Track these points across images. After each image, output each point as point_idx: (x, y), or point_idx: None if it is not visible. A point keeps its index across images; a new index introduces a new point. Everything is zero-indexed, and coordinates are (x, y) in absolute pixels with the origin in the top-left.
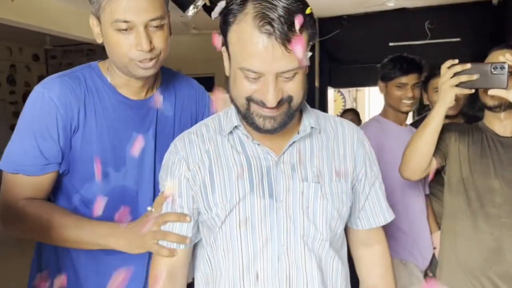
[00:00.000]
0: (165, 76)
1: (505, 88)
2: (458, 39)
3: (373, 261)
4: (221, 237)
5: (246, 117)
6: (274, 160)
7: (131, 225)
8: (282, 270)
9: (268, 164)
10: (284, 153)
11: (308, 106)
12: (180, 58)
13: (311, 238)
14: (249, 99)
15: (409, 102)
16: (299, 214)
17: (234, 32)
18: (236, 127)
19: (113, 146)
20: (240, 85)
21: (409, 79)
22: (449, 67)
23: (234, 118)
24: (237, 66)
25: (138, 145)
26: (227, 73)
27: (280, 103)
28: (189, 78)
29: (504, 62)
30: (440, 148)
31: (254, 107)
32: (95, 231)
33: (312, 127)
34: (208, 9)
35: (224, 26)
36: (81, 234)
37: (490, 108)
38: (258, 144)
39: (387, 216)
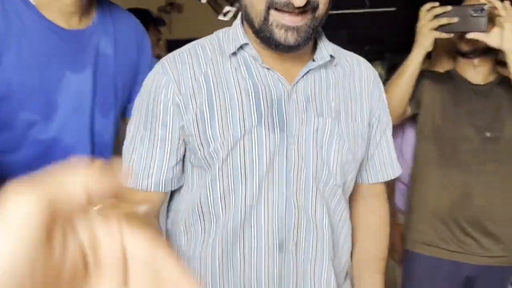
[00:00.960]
0: (99, 3)
1: (485, 31)
2: (394, 9)
3: (367, 212)
4: (221, 178)
5: (262, 30)
6: (286, 89)
7: None
8: (289, 217)
9: (279, 93)
10: (298, 82)
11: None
12: None
13: (323, 182)
14: (270, 4)
15: None
16: (312, 153)
17: None
18: (242, 46)
19: (41, 88)
20: None
21: None
22: (428, 10)
23: (240, 35)
24: None
25: (72, 88)
26: None
27: (307, 5)
28: (127, 12)
29: (484, 4)
30: (414, 96)
31: (274, 16)
32: None
33: (331, 56)
34: None
35: None
36: None
37: (465, 54)
38: (268, 69)
39: (396, 170)
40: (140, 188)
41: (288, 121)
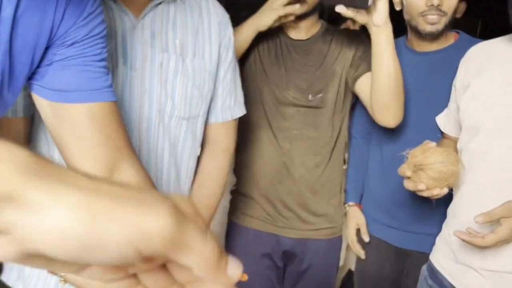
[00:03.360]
0: None
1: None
2: None
3: (208, 158)
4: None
5: None
6: (131, 23)
7: None
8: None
9: (124, 27)
10: (145, 16)
11: None
12: None
13: (167, 114)
14: None
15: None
16: (156, 86)
17: None
18: None
19: None
20: None
21: None
22: None
23: None
24: None
25: None
26: None
27: None
28: None
29: None
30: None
31: None
32: None
33: None
34: None
35: None
36: None
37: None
38: (115, 2)
39: (237, 110)
40: None
41: (131, 55)
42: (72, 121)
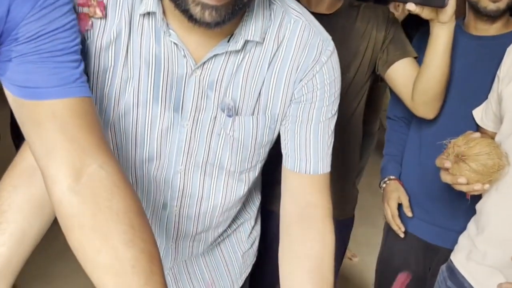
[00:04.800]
0: None
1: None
2: None
3: (306, 237)
4: (113, 136)
5: (177, 2)
6: (190, 68)
7: None
8: (174, 187)
9: (181, 72)
10: (205, 63)
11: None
12: None
13: (213, 165)
14: None
15: None
16: (205, 141)
17: None
18: (150, 13)
19: None
20: None
21: None
22: None
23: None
24: None
25: None
26: None
27: None
28: None
29: None
30: None
31: None
32: None
33: (247, 40)
34: None
35: None
36: None
37: None
38: (176, 44)
39: (317, 166)
40: None
41: (184, 103)
42: (33, 120)
